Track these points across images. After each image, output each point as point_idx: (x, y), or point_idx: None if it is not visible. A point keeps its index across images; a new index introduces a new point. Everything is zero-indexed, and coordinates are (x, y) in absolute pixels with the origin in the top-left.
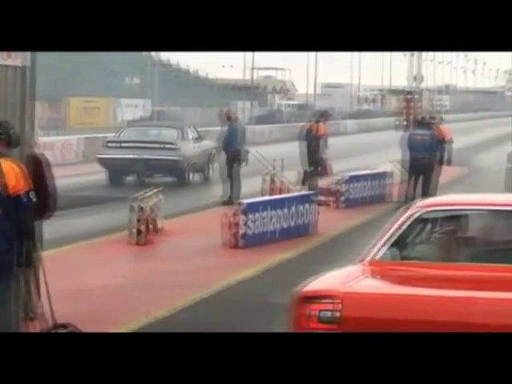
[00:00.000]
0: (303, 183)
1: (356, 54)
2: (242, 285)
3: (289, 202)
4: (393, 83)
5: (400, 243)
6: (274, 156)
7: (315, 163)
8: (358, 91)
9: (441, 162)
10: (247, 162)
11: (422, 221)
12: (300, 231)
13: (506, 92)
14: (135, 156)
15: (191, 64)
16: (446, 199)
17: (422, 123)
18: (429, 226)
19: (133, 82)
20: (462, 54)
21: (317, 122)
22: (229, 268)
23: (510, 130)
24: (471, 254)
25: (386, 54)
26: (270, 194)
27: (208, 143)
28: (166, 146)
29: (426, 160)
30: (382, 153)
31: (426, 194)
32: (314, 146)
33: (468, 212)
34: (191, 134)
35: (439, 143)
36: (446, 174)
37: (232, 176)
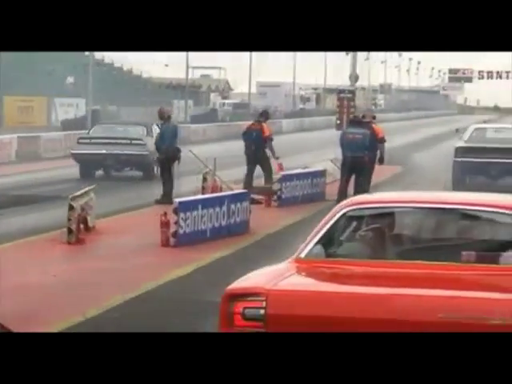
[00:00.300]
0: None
1: (291, 53)
2: (173, 283)
3: (221, 200)
4: (331, 82)
5: (327, 241)
6: (210, 155)
7: (257, 162)
8: (293, 90)
9: (374, 161)
10: (179, 161)
11: (348, 218)
12: (232, 230)
13: (440, 91)
14: (106, 151)
15: (126, 63)
16: (372, 197)
17: (355, 122)
18: (355, 224)
19: (67, 81)
20: (396, 52)
21: (258, 122)
22: (160, 267)
23: (444, 129)
24: (397, 252)
25: (322, 53)
26: (203, 193)
27: None
28: (134, 141)
29: (358, 158)
30: (322, 152)
31: (359, 192)
32: (256, 145)
33: (394, 209)
34: (155, 131)
35: (372, 142)
36: (381, 172)
37: (164, 175)
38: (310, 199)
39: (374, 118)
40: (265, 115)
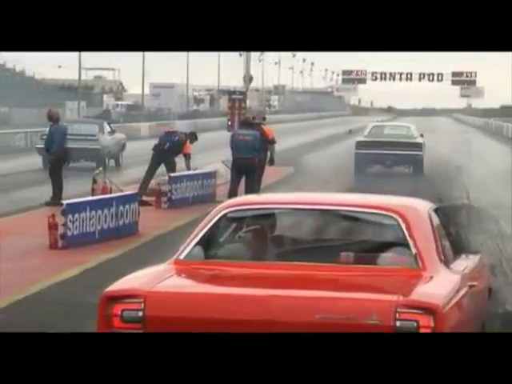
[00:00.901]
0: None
1: (185, 54)
2: (60, 286)
3: (109, 202)
4: (226, 83)
5: (207, 242)
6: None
7: (162, 162)
8: (187, 91)
9: (265, 163)
10: (70, 163)
11: (228, 220)
12: (121, 232)
13: (334, 92)
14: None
15: (18, 64)
16: (252, 198)
17: (246, 123)
18: (235, 225)
19: None
20: (290, 53)
21: (186, 135)
22: (47, 269)
23: (338, 131)
24: (277, 253)
25: (216, 54)
26: (93, 195)
27: (120, 135)
28: (89, 137)
29: (248, 160)
30: (214, 153)
31: (249, 193)
32: (171, 147)
33: (274, 211)
34: (107, 129)
35: (263, 143)
36: (273, 174)
37: (53, 176)
38: (200, 200)
39: (264, 119)
40: (193, 136)
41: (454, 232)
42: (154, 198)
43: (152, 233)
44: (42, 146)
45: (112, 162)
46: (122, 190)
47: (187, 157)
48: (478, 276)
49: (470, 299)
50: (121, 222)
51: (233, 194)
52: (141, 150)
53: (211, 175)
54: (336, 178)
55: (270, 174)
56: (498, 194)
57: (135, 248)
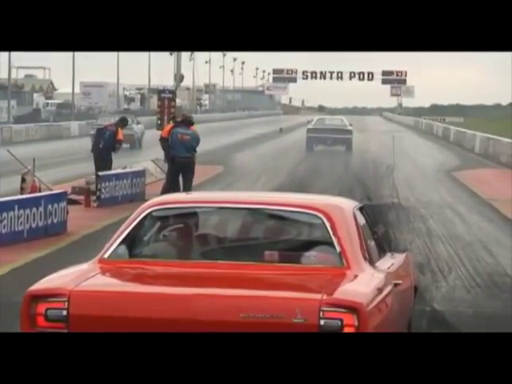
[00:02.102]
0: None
1: (115, 53)
2: None
3: (37, 201)
4: (158, 82)
5: (131, 241)
6: (31, 155)
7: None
8: (117, 90)
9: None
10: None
11: (153, 218)
12: (50, 231)
13: (265, 91)
14: None
15: None
16: (177, 197)
17: (184, 122)
18: (160, 224)
19: None
20: (221, 53)
21: (116, 124)
22: None
23: (268, 129)
24: (201, 252)
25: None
26: (22, 194)
27: (142, 126)
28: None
29: (187, 159)
30: (144, 151)
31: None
32: (104, 144)
33: (198, 210)
34: (135, 120)
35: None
36: (203, 173)
37: None
38: (129, 199)
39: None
40: (123, 122)
41: (382, 231)
42: (83, 197)
43: (80, 232)
44: None
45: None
46: (51, 189)
47: (118, 145)
48: (404, 274)
49: (395, 297)
50: (49, 221)
51: (166, 192)
52: (71, 148)
53: (141, 174)
54: (265, 177)
55: (198, 173)
56: (427, 193)
57: (63, 247)
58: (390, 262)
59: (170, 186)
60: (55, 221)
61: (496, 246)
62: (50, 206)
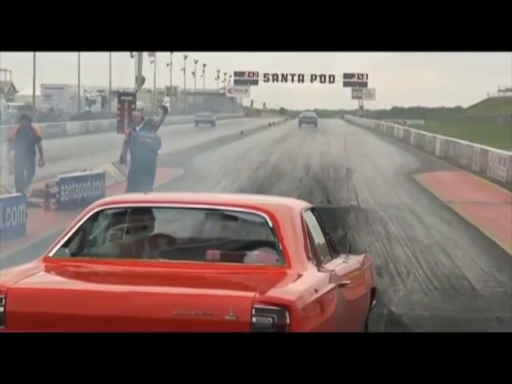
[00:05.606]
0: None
1: (76, 54)
2: None
3: None
4: (118, 85)
5: (76, 240)
6: None
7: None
8: (78, 92)
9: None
10: None
11: (99, 218)
12: (8, 234)
13: (226, 94)
14: None
15: None
16: (124, 197)
17: (147, 125)
18: (105, 223)
19: None
20: (182, 55)
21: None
22: None
23: (229, 132)
24: (145, 251)
25: (108, 55)
26: None
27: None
28: None
29: (149, 162)
30: (105, 154)
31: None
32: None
33: (144, 209)
34: None
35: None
36: (162, 175)
37: None
38: (89, 202)
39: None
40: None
41: (341, 233)
42: (42, 200)
43: (39, 235)
44: None
45: None
46: (9, 192)
47: (37, 139)
48: (357, 275)
49: (340, 297)
50: (8, 224)
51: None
52: None
53: (101, 177)
54: (224, 179)
55: (159, 175)
56: (386, 196)
57: (21, 250)
58: (340, 262)
59: (131, 189)
60: (14, 224)
61: (454, 249)
62: (8, 209)
